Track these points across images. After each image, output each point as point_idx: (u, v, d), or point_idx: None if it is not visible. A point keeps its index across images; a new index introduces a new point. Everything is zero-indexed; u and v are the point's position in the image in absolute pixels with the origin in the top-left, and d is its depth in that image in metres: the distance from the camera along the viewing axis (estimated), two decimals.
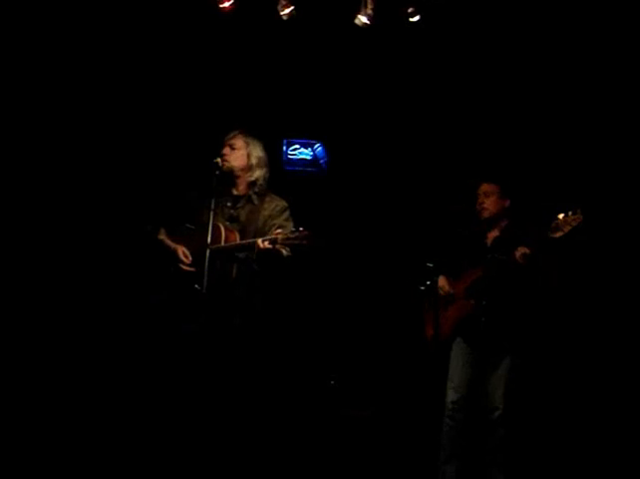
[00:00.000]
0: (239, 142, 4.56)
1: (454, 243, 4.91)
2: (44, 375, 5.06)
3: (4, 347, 4.99)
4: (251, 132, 4.64)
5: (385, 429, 5.28)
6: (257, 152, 4.58)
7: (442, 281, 4.80)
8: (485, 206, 4.83)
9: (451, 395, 4.73)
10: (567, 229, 4.38)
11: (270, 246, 4.19)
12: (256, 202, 4.54)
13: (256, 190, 4.56)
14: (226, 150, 4.54)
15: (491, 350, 4.69)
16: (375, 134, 5.94)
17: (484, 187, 4.88)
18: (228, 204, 4.54)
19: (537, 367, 5.19)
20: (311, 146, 6.04)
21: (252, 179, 4.56)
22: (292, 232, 4.18)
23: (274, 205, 4.55)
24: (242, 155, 4.54)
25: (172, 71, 5.62)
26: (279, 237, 4.17)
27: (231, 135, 4.59)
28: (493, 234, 4.87)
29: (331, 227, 5.62)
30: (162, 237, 4.54)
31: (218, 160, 4.46)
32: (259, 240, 4.22)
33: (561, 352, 5.33)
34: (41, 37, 5.24)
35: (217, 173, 4.42)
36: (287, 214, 4.54)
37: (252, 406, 4.39)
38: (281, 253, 4.31)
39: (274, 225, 4.45)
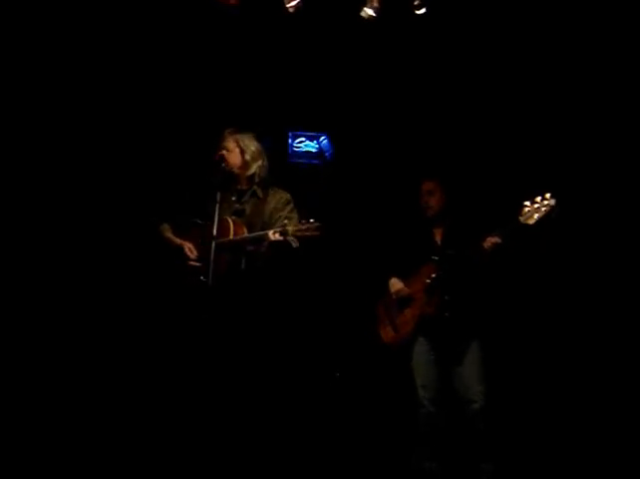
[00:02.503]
0: (230, 143, 4.60)
1: (401, 243, 4.88)
2: (47, 372, 5.08)
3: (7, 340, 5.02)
4: (240, 127, 4.66)
5: (381, 423, 5.31)
6: (250, 146, 4.61)
7: (396, 284, 4.80)
8: (431, 204, 4.81)
9: (420, 393, 4.67)
10: (540, 214, 4.35)
11: (281, 238, 4.20)
12: (261, 195, 4.59)
13: (257, 180, 4.59)
14: (222, 150, 4.56)
15: (456, 344, 4.66)
16: (380, 126, 5.94)
17: (428, 184, 4.86)
18: (233, 198, 4.57)
19: (506, 352, 5.22)
20: (317, 138, 6.04)
21: (250, 173, 4.59)
22: (302, 223, 4.20)
23: (278, 197, 4.59)
24: (236, 154, 4.58)
25: (178, 64, 5.61)
26: (290, 228, 4.18)
27: (225, 136, 4.62)
28: (439, 230, 4.85)
29: (336, 219, 5.62)
30: (168, 233, 4.56)
31: (223, 152, 4.50)
32: (270, 232, 4.24)
33: (525, 336, 5.36)
34: (41, 34, 5.23)
35: (223, 165, 4.47)
36: (291, 205, 4.58)
37: (255, 398, 4.41)
38: (291, 245, 4.28)
39: (280, 217, 4.47)
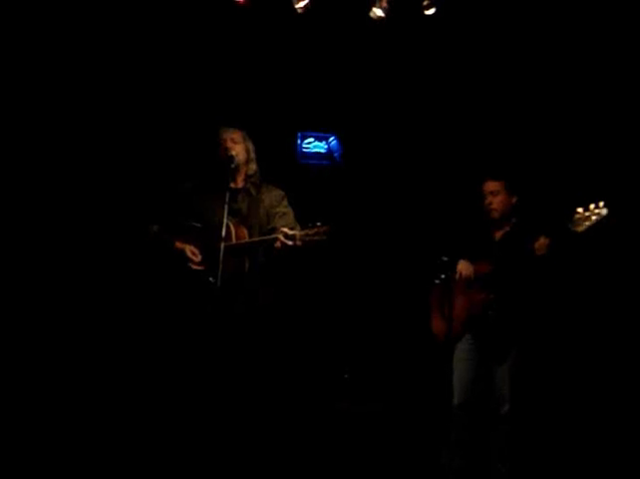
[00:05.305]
0: (238, 136, 4.61)
1: (460, 240, 4.79)
2: (52, 371, 5.10)
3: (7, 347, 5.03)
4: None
5: (389, 425, 5.27)
6: (251, 145, 4.64)
7: (464, 265, 4.68)
8: (494, 206, 4.71)
9: (458, 396, 4.63)
10: (590, 222, 4.25)
11: (291, 243, 4.21)
12: (254, 193, 4.60)
13: (253, 180, 4.62)
14: (230, 143, 4.56)
15: (499, 345, 4.63)
16: (389, 127, 5.94)
17: (491, 185, 4.75)
18: (227, 198, 4.47)
19: (544, 360, 5.18)
20: (325, 139, 6.04)
21: (251, 172, 4.62)
22: (309, 227, 4.22)
23: (273, 194, 4.61)
24: (243, 148, 4.59)
25: (185, 64, 5.61)
26: (298, 233, 4.21)
27: (230, 130, 4.62)
28: (501, 231, 4.78)
29: (345, 219, 5.62)
30: (167, 236, 4.52)
31: (233, 154, 4.50)
32: (281, 236, 4.24)
33: (568, 346, 5.31)
34: (40, 30, 5.22)
35: (233, 166, 4.47)
36: (286, 201, 4.61)
37: (254, 398, 4.41)
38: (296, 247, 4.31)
39: (276, 213, 4.53)
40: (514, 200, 4.74)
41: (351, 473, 4.96)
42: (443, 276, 4.63)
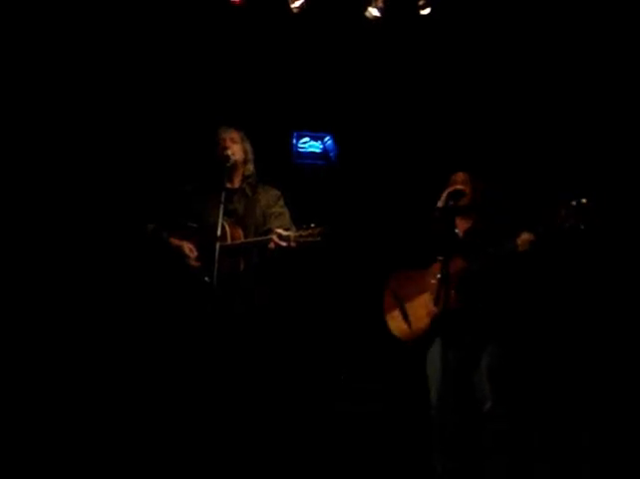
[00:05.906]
0: (237, 136, 4.64)
1: (421, 232, 4.76)
2: (52, 372, 5.10)
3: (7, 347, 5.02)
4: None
5: (389, 425, 5.27)
6: (249, 146, 4.67)
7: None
8: (467, 193, 4.66)
9: (434, 396, 4.60)
10: (578, 218, 4.24)
11: (284, 244, 4.24)
12: (250, 193, 4.62)
13: (249, 181, 4.65)
14: (228, 143, 4.58)
15: (472, 343, 4.59)
16: (385, 127, 5.93)
17: (462, 176, 4.74)
18: (222, 198, 4.49)
19: (523, 355, 5.17)
20: (321, 139, 6.04)
21: (248, 173, 4.65)
22: (304, 228, 4.25)
23: (269, 194, 4.65)
24: (241, 148, 4.62)
25: (181, 63, 5.61)
26: (292, 234, 4.24)
27: (229, 130, 4.65)
28: (464, 225, 4.76)
29: (340, 219, 5.61)
30: (164, 234, 4.55)
31: (229, 153, 4.50)
32: (275, 237, 4.26)
33: (545, 340, 5.30)
34: (40, 31, 5.22)
35: (228, 165, 4.49)
36: (282, 201, 4.64)
37: (252, 398, 4.42)
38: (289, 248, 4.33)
39: (272, 214, 4.56)
40: (475, 201, 4.73)
41: (351, 473, 4.96)
42: (439, 276, 4.62)
